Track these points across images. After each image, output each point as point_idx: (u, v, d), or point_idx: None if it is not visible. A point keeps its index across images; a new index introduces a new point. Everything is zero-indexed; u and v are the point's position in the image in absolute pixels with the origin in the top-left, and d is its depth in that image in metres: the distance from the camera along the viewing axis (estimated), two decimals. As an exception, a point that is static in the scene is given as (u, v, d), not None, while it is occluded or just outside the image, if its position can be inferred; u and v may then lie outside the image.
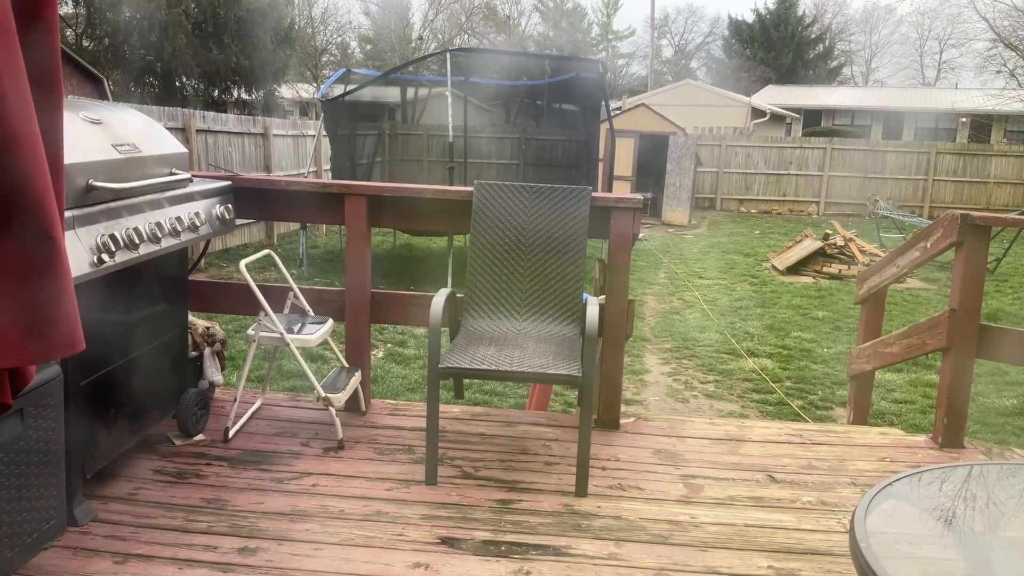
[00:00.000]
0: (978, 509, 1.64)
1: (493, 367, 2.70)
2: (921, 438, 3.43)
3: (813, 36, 46.10)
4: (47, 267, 1.01)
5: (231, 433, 3.03)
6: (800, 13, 45.88)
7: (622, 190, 15.78)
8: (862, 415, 4.35)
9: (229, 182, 3.07)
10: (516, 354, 2.81)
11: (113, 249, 2.21)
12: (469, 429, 3.26)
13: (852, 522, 1.30)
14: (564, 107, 12.85)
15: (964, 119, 29.41)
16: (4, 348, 1.00)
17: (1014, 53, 26.26)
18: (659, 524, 2.52)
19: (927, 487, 1.58)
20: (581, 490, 2.70)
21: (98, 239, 2.18)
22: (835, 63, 47.22)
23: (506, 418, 3.49)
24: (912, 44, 46.33)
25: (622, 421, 3.37)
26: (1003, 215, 4.39)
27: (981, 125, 29.26)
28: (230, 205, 3.02)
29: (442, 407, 2.90)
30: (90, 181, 2.22)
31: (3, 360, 1.02)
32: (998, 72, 29.18)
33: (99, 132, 2.42)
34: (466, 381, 4.03)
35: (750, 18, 46.67)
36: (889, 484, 1.47)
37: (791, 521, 2.56)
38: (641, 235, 15.55)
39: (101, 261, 2.16)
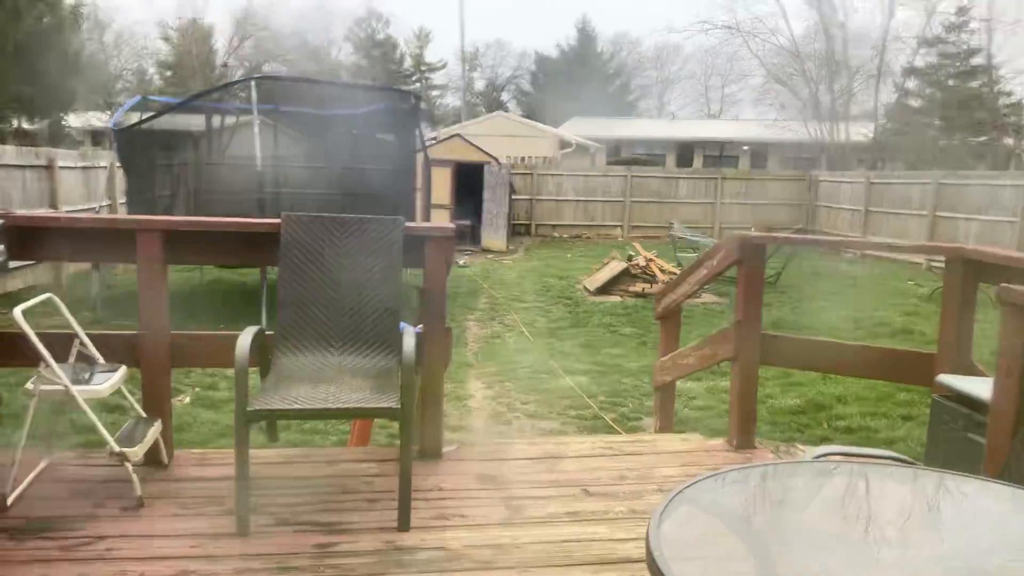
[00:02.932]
0: (765, 507, 1.80)
1: (308, 405, 2.62)
2: (719, 441, 3.72)
3: (611, 71, 49.31)
4: None
5: (10, 500, 2.71)
6: (599, 49, 48.99)
7: (441, 218, 15.94)
8: (668, 423, 4.65)
9: (1, 220, 2.78)
10: (332, 390, 2.74)
11: None
12: (285, 472, 3.13)
13: (647, 530, 1.39)
14: (379, 137, 12.81)
15: (746, 147, 32.64)
16: None
17: (783, 88, 29.51)
18: (482, 551, 2.54)
19: (720, 489, 1.72)
20: (403, 524, 2.67)
21: None
22: (632, 96, 50.74)
23: (326, 457, 3.40)
24: (699, 79, 50.72)
25: (445, 449, 3.38)
26: (777, 233, 4.91)
27: (759, 153, 32.60)
28: (2, 246, 2.72)
29: (256, 452, 2.76)
30: None
31: None
32: (770, 105, 32.66)
33: None
34: (282, 422, 3.87)
35: (554, 53, 49.20)
36: (683, 489, 1.58)
37: (605, 532, 2.69)
38: (461, 261, 15.63)
39: None
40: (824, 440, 5.35)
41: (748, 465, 2.68)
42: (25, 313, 2.76)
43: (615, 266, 12.18)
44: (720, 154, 33.33)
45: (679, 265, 13.14)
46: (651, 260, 12.59)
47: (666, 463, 3.40)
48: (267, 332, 3.03)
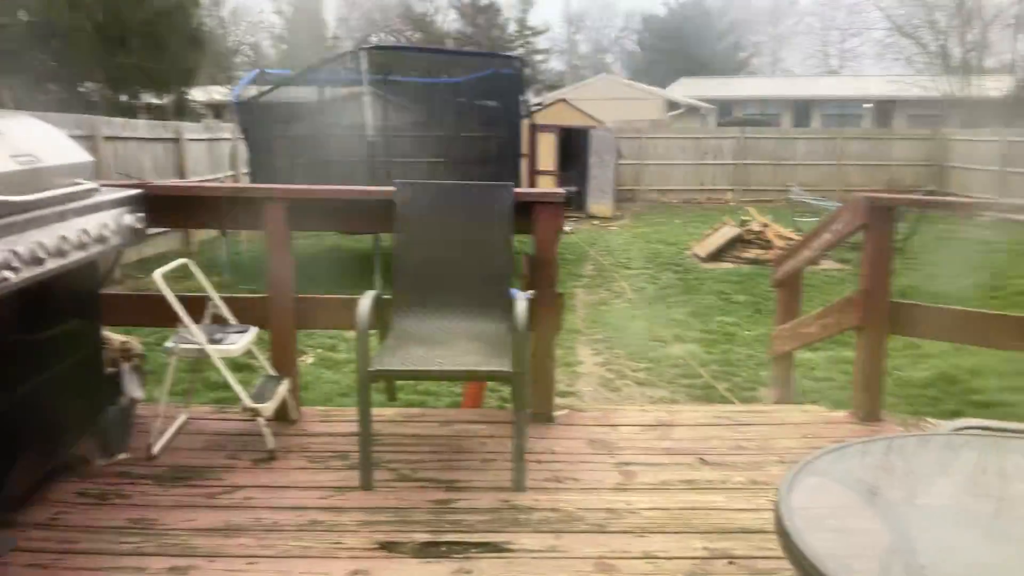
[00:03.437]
0: (897, 480, 1.72)
1: (424, 367, 2.69)
2: (842, 414, 3.57)
3: (723, 29, 47.41)
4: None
5: (155, 450, 2.93)
6: (709, 6, 47.13)
7: (546, 185, 15.88)
8: (786, 394, 4.50)
9: (139, 190, 2.95)
10: (447, 353, 2.80)
11: (16, 265, 2.09)
12: (404, 431, 3.23)
13: (777, 500, 1.34)
14: (485, 104, 12.84)
15: (868, 105, 30.78)
16: None
17: (909, 40, 27.58)
18: (596, 513, 2.55)
19: (848, 461, 1.65)
20: (518, 485, 2.71)
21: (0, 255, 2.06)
22: (745, 54, 48.68)
23: (441, 417, 3.48)
24: (816, 34, 48.13)
25: (556, 413, 3.40)
26: (906, 195, 4.61)
27: (884, 111, 30.66)
28: (142, 214, 2.90)
29: (376, 410, 2.86)
30: (-13, 195, 2.10)
31: None
32: (895, 59, 30.62)
33: (-5, 143, 2.29)
34: (399, 382, 3.99)
35: (661, 12, 47.72)
36: (811, 461, 1.52)
37: (723, 501, 2.64)
38: (567, 228, 15.56)
39: (3, 279, 2.05)
40: (956, 415, 5.04)
41: (879, 437, 2.56)
42: (163, 277, 2.94)
43: (727, 231, 11.83)
44: (841, 113, 31.59)
45: (797, 230, 12.62)
46: (767, 225, 12.13)
47: (786, 434, 3.29)
48: (384, 296, 3.11)
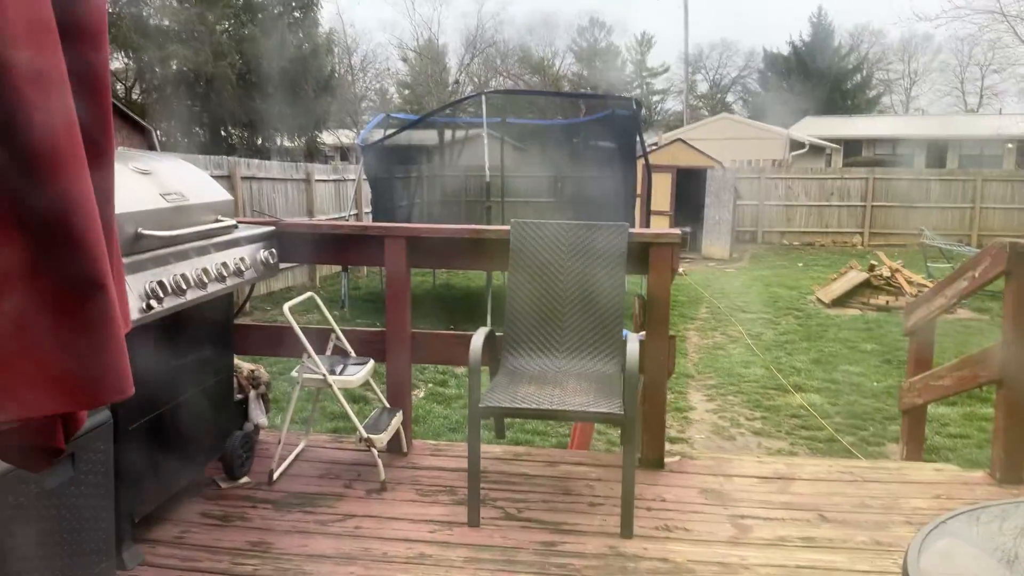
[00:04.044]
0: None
1: (534, 405, 2.69)
2: (978, 474, 3.30)
3: (850, 66, 45.81)
4: (99, 315, 1.04)
5: (275, 475, 3.06)
6: (836, 44, 45.69)
7: (660, 225, 15.72)
8: (916, 451, 4.21)
9: (273, 227, 3.14)
10: (557, 392, 2.79)
11: (161, 295, 2.26)
12: (511, 469, 3.23)
13: (905, 562, 1.25)
14: (600, 144, 12.92)
15: (1010, 145, 28.80)
16: (57, 394, 1.03)
17: (1059, 76, 25.71)
18: (708, 566, 2.45)
19: (985, 525, 1.52)
20: (626, 531, 2.65)
21: (147, 285, 2.24)
22: (874, 92, 46.78)
23: (548, 458, 3.46)
24: (952, 71, 45.60)
25: (667, 460, 3.31)
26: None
27: (1029, 150, 28.61)
28: (274, 250, 3.08)
29: (484, 447, 2.89)
30: (139, 229, 2.29)
31: (56, 406, 1.04)
32: (1043, 96, 28.56)
33: (148, 182, 2.51)
34: (507, 420, 4.01)
35: (785, 51, 46.65)
36: (944, 521, 1.41)
37: (844, 562, 2.48)
38: (681, 270, 15.37)
39: (150, 307, 2.21)
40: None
41: (1020, 499, 2.34)
42: (291, 309, 3.10)
43: (854, 276, 11.28)
44: (979, 153, 29.71)
45: (930, 276, 11.90)
46: (897, 270, 11.49)
47: (915, 494, 3.07)
48: (496, 333, 3.15)
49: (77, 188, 1.04)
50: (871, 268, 11.66)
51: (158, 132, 19.99)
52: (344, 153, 31.41)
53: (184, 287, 2.38)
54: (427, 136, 15.52)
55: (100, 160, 1.14)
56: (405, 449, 3.36)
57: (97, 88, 1.16)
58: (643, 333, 3.25)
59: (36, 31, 1.01)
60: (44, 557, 1.97)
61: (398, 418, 3.21)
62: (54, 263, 1.00)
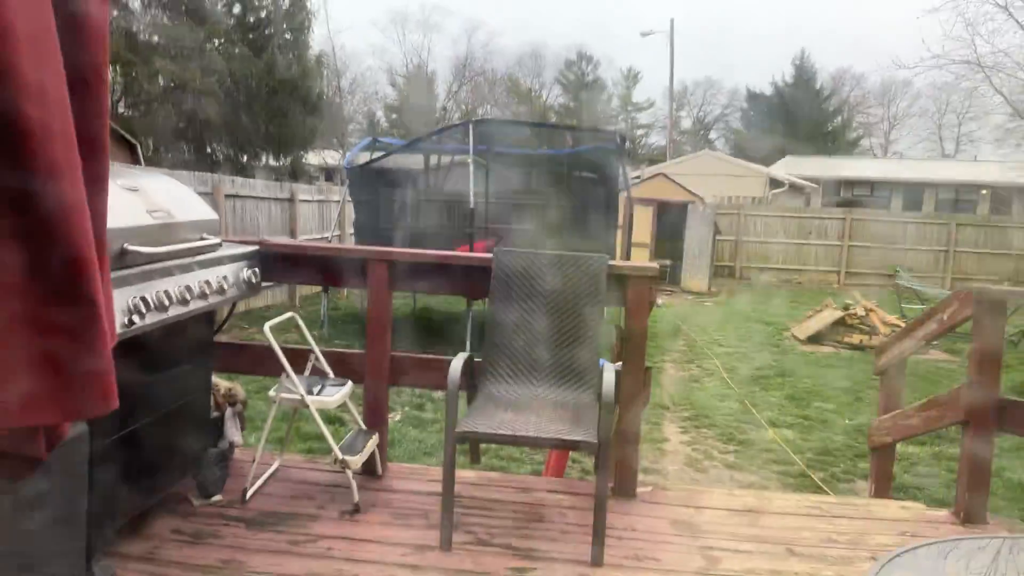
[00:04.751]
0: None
1: (510, 432, 2.72)
2: (943, 513, 3.37)
3: (831, 108, 46.76)
4: (87, 330, 1.07)
5: (249, 494, 3.05)
6: (818, 86, 46.66)
7: (641, 257, 15.87)
8: (884, 488, 4.28)
9: (256, 247, 3.17)
10: (533, 419, 2.83)
11: (143, 311, 2.28)
12: (485, 495, 3.25)
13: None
14: (584, 175, 13.07)
15: (984, 191, 29.47)
16: (44, 406, 1.05)
17: (1033, 126, 26.36)
18: (675, 596, 2.48)
19: (938, 559, 1.57)
20: (597, 560, 2.67)
21: (130, 301, 2.25)
22: (854, 135, 47.72)
23: (522, 484, 3.48)
24: (931, 117, 46.72)
25: (639, 490, 3.35)
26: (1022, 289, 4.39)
27: (1002, 197, 29.27)
28: (257, 269, 3.10)
29: (458, 472, 2.91)
30: (124, 245, 2.31)
31: (42, 417, 1.07)
32: (1018, 145, 29.27)
33: (135, 198, 2.53)
34: (483, 446, 4.03)
35: (768, 91, 47.57)
36: (898, 555, 1.46)
37: (810, 596, 2.52)
38: (660, 302, 15.38)
39: (132, 322, 2.23)
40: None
41: (980, 536, 2.40)
42: (271, 328, 3.12)
43: (829, 314, 11.45)
44: (955, 197, 30.35)
45: (903, 317, 12.09)
46: (872, 310, 11.68)
47: (881, 530, 3.12)
48: (475, 359, 3.19)
49: (72, 204, 1.07)
50: (846, 307, 11.84)
51: (142, 147, 19.92)
52: (329, 174, 31.47)
53: (167, 303, 2.40)
54: (413, 161, 15.60)
55: (95, 177, 1.18)
56: (380, 471, 3.37)
57: (95, 110, 1.20)
58: (620, 363, 3.30)
59: (39, 45, 1.05)
60: (15, 567, 1.96)
61: (374, 440, 3.22)
62: (47, 277, 1.04)
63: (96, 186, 1.20)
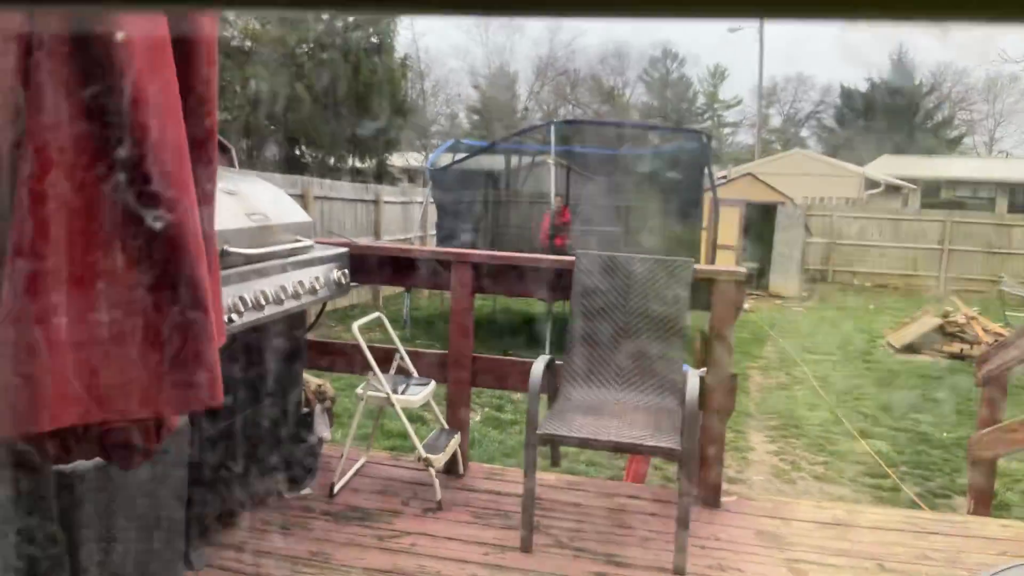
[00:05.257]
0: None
1: (591, 436, 2.72)
2: (1052, 535, 3.18)
3: (931, 105, 44.61)
4: (199, 332, 1.13)
5: (336, 488, 3.15)
6: (917, 82, 44.60)
7: (726, 260, 15.52)
8: (983, 506, 4.07)
9: (346, 248, 3.26)
10: (614, 424, 2.81)
11: (242, 310, 2.38)
12: (565, 498, 3.25)
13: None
14: (668, 176, 12.90)
15: (1100, 191, 27.55)
16: (158, 399, 1.12)
17: None
18: (760, 609, 2.43)
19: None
20: (679, 568, 2.64)
21: (228, 300, 2.36)
22: (955, 133, 45.38)
23: (603, 489, 3.47)
24: (1041, 113, 44.01)
25: (723, 499, 3.29)
26: None
27: (1121, 198, 27.30)
28: (346, 270, 3.20)
29: (539, 475, 2.92)
30: (225, 247, 2.42)
31: (157, 409, 1.14)
32: None
33: (233, 202, 2.65)
34: (563, 449, 4.03)
35: (863, 87, 45.74)
36: (999, 572, 1.39)
37: (904, 616, 2.42)
38: (747, 306, 15.10)
39: (230, 320, 2.34)
40: None
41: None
42: (359, 328, 3.21)
43: (927, 321, 10.94)
44: (1067, 198, 28.48)
45: (1007, 325, 11.44)
46: (973, 318, 11.09)
47: (979, 548, 2.97)
48: (557, 361, 3.20)
49: (186, 214, 1.14)
50: (946, 314, 11.27)
51: (236, 151, 20.71)
52: (412, 176, 32.06)
53: (263, 303, 2.50)
54: (494, 162, 15.75)
55: (205, 184, 1.25)
56: (462, 471, 3.42)
57: (205, 121, 1.27)
58: (704, 369, 3.24)
59: (154, 56, 1.12)
60: (119, 553, 2.08)
61: (456, 440, 3.27)
62: (165, 282, 1.10)
63: (206, 194, 1.27)
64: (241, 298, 2.40)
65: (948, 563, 2.82)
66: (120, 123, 1.05)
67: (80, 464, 1.52)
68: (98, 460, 1.31)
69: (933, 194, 29.32)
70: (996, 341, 9.26)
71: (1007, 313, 12.42)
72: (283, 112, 20.71)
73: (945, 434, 6.72)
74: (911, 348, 10.68)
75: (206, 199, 1.26)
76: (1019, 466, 5.76)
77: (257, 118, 21.13)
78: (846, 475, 5.67)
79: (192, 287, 1.11)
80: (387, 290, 13.75)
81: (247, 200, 2.73)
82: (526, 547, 2.73)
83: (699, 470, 3.24)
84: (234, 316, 2.34)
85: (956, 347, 10.49)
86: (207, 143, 1.29)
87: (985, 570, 2.72)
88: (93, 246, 1.05)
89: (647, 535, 2.94)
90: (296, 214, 3.02)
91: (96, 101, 1.04)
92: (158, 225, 1.09)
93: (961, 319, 11.06)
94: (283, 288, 2.62)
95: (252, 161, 22.14)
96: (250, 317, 2.45)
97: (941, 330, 10.81)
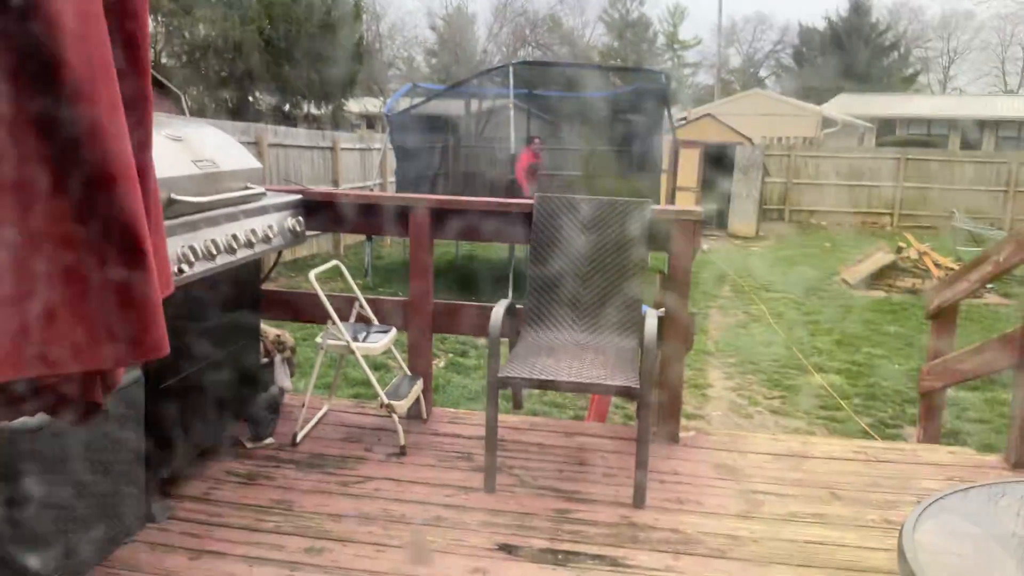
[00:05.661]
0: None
1: (551, 377, 2.74)
2: (993, 458, 3.31)
3: (887, 43, 44.79)
4: (138, 278, 1.09)
5: (299, 437, 3.14)
6: (874, 20, 44.66)
7: (686, 202, 15.61)
8: (933, 434, 4.22)
9: (300, 196, 3.19)
10: (575, 365, 2.84)
11: (192, 260, 2.33)
12: (527, 439, 3.30)
13: (900, 535, 1.29)
14: (627, 118, 12.82)
15: (1050, 127, 28.15)
16: (96, 352, 1.09)
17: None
18: (717, 538, 2.51)
19: (982, 503, 1.54)
20: (639, 502, 2.70)
21: (178, 250, 2.30)
22: (911, 71, 45.76)
23: (564, 429, 3.52)
24: (993, 50, 44.53)
25: (682, 435, 3.36)
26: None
27: (1069, 133, 27.94)
28: (301, 218, 3.14)
29: (501, 417, 2.94)
30: (171, 195, 2.35)
31: (95, 362, 1.11)
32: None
33: (180, 148, 2.56)
34: (526, 392, 4.07)
35: (821, 25, 45.68)
36: (942, 497, 1.44)
37: (853, 539, 2.52)
38: (705, 247, 15.25)
39: (180, 271, 2.28)
40: None
41: (1019, 479, 2.37)
42: (316, 277, 3.16)
43: (881, 258, 11.18)
44: (1018, 135, 29.07)
45: (958, 260, 11.75)
46: (925, 253, 11.36)
47: (928, 475, 3.09)
48: (517, 305, 3.20)
49: (118, 156, 1.09)
50: (899, 250, 11.54)
51: (186, 97, 20.06)
52: (370, 122, 31.40)
53: (214, 252, 2.44)
54: (453, 107, 15.48)
55: (141, 130, 1.19)
56: (425, 416, 3.44)
57: (138, 58, 1.20)
58: (663, 309, 3.27)
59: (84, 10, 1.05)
60: (79, 508, 2.06)
61: (419, 386, 3.28)
62: (98, 227, 1.06)
63: (143, 137, 1.22)
64: (192, 248, 2.34)
65: (898, 489, 2.93)
66: (25, 15, 0.96)
67: (26, 420, 1.49)
68: (43, 416, 1.27)
69: (888, 132, 29.69)
70: (947, 275, 9.51)
71: (958, 248, 12.76)
72: (233, 58, 20.02)
73: (897, 366, 6.94)
74: (866, 284, 10.93)
75: (144, 143, 1.20)
76: (968, 394, 5.98)
77: (207, 64, 20.42)
78: (801, 408, 5.83)
79: (126, 222, 1.06)
80: (349, 239, 13.58)
81: (194, 147, 2.64)
82: (490, 488, 2.77)
83: (658, 407, 3.30)
84: (184, 267, 2.29)
85: (909, 282, 10.77)
86: (140, 85, 1.22)
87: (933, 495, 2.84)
88: (3, 180, 0.98)
89: (608, 471, 2.99)
90: (246, 160, 2.94)
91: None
92: (90, 168, 1.04)
93: (913, 255, 11.34)
94: (235, 237, 2.56)
95: (203, 109, 21.45)
96: (202, 267, 2.39)
97: (894, 266, 11.07)
